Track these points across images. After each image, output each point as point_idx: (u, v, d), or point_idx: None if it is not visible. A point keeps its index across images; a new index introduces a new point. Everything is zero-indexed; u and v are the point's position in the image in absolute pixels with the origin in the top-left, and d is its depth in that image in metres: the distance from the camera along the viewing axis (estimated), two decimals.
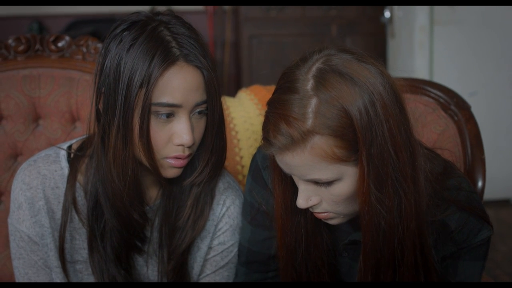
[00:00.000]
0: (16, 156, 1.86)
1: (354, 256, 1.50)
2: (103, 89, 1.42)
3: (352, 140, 1.25)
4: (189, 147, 1.42)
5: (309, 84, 1.26)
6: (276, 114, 1.28)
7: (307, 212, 1.44)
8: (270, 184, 1.52)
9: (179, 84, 1.38)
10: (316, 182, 1.31)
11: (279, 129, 1.26)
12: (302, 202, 1.34)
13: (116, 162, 1.42)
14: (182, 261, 1.56)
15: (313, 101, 1.25)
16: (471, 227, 1.41)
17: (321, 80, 1.26)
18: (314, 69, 1.28)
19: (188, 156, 1.44)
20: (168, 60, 1.37)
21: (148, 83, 1.36)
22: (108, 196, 1.46)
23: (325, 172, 1.27)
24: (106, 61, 1.40)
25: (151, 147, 1.40)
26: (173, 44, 1.39)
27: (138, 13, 1.45)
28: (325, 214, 1.37)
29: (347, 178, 1.29)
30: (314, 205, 1.35)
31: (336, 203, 1.33)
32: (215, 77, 1.42)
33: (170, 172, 1.45)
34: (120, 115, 1.38)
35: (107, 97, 1.40)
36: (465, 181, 1.47)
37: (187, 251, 1.57)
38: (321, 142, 1.25)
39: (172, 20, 1.42)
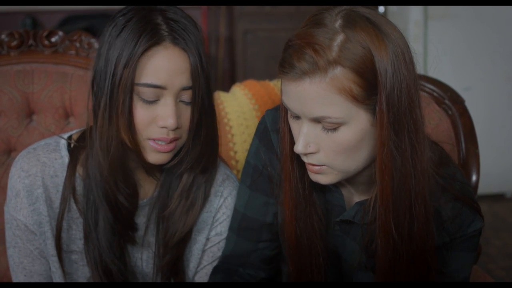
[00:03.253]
0: (9, 152, 1.86)
1: (345, 231, 1.50)
2: (96, 73, 1.43)
3: (371, 81, 1.27)
4: (173, 131, 1.42)
5: (338, 23, 1.29)
6: (302, 42, 1.28)
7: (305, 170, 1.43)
8: (278, 147, 1.51)
9: (162, 64, 1.38)
10: (321, 126, 1.30)
11: (303, 53, 1.27)
12: (300, 147, 1.32)
13: (102, 141, 1.42)
14: (177, 255, 1.56)
15: (340, 36, 1.27)
16: (464, 217, 1.42)
17: (350, 20, 1.29)
18: (343, 13, 1.31)
19: (173, 140, 1.43)
20: (153, 39, 1.38)
21: (131, 61, 1.37)
22: (97, 179, 1.46)
23: (336, 109, 1.27)
24: (101, 46, 1.43)
25: (132, 126, 1.41)
26: (163, 27, 1.40)
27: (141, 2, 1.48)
28: (319, 167, 1.35)
29: (353, 124, 1.29)
30: (311, 154, 1.34)
31: (334, 153, 1.32)
32: (204, 65, 1.43)
33: (154, 156, 1.44)
34: (107, 94, 1.40)
35: (98, 79, 1.42)
36: (459, 172, 1.48)
37: (182, 245, 1.57)
38: (341, 75, 1.25)
39: (171, 9, 1.44)
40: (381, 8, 4.30)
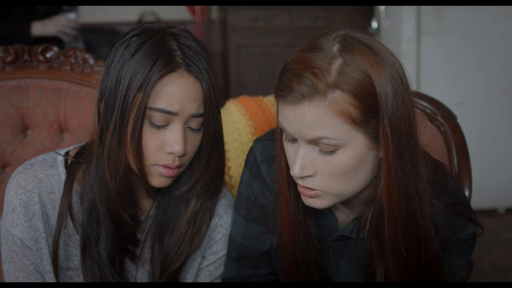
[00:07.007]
0: (4, 167, 1.86)
1: (339, 253, 1.50)
2: (105, 90, 1.44)
3: (369, 105, 1.28)
4: (179, 157, 1.43)
5: (335, 47, 1.30)
6: (301, 66, 1.29)
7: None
8: (268, 177, 1.52)
9: (176, 91, 1.40)
10: (318, 148, 1.30)
11: (303, 77, 1.27)
12: (297, 170, 1.32)
13: (109, 162, 1.43)
14: (173, 278, 1.56)
15: (338, 61, 1.28)
16: (456, 223, 1.43)
17: (347, 45, 1.30)
18: (339, 38, 1.32)
19: (178, 167, 1.44)
20: (169, 66, 1.39)
21: (146, 86, 1.38)
22: (102, 196, 1.47)
23: (334, 130, 1.27)
24: (112, 64, 1.43)
25: (141, 151, 1.42)
26: (178, 53, 1.41)
27: (151, 23, 1.49)
28: (314, 192, 1.35)
29: (350, 147, 1.29)
30: (307, 177, 1.34)
31: (331, 177, 1.32)
32: (215, 94, 1.44)
33: (158, 180, 1.46)
34: (118, 116, 1.40)
35: (107, 97, 1.43)
36: (453, 181, 1.50)
37: (180, 268, 1.57)
38: (340, 98, 1.26)
39: (182, 33, 1.46)
40: (375, 24, 4.32)
